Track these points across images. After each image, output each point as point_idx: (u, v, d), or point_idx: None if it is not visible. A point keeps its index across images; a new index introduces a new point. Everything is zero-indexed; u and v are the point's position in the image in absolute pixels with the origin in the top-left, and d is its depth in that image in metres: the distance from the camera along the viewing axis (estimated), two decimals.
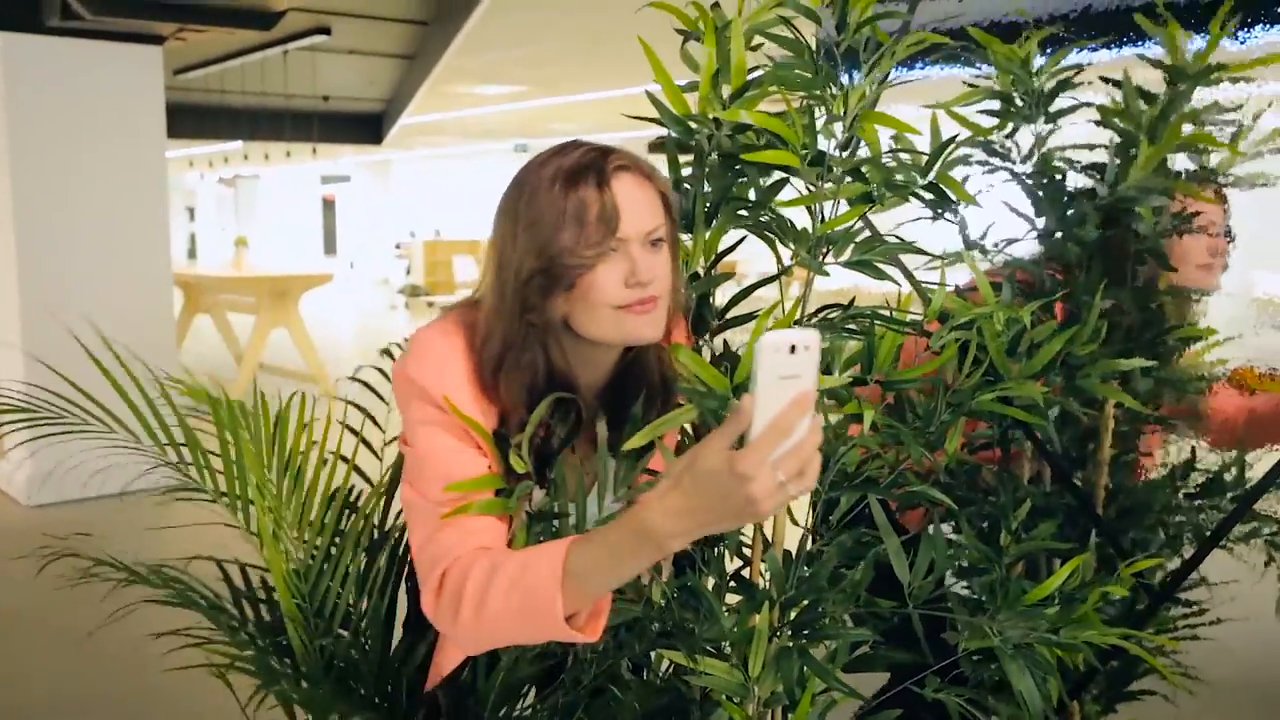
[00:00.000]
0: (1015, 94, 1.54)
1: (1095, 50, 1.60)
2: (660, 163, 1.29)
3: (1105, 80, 1.53)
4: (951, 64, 1.65)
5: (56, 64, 5.63)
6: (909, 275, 1.70)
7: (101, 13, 5.30)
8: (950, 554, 1.45)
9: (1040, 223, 1.61)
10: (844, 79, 1.21)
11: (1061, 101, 1.57)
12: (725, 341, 1.39)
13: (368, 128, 12.08)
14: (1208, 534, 1.60)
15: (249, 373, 8.43)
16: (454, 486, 1.18)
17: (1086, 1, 1.61)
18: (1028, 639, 1.22)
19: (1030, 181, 1.59)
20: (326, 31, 7.83)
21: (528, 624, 1.10)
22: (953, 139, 1.25)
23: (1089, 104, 1.55)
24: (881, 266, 1.26)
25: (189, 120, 11.09)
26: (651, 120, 1.28)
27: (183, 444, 1.51)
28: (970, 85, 1.58)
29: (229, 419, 1.37)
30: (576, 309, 1.22)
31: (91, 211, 5.75)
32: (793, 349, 0.92)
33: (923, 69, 1.72)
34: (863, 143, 1.22)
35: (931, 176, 1.22)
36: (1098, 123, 1.55)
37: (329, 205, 25.74)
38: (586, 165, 1.19)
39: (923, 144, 1.28)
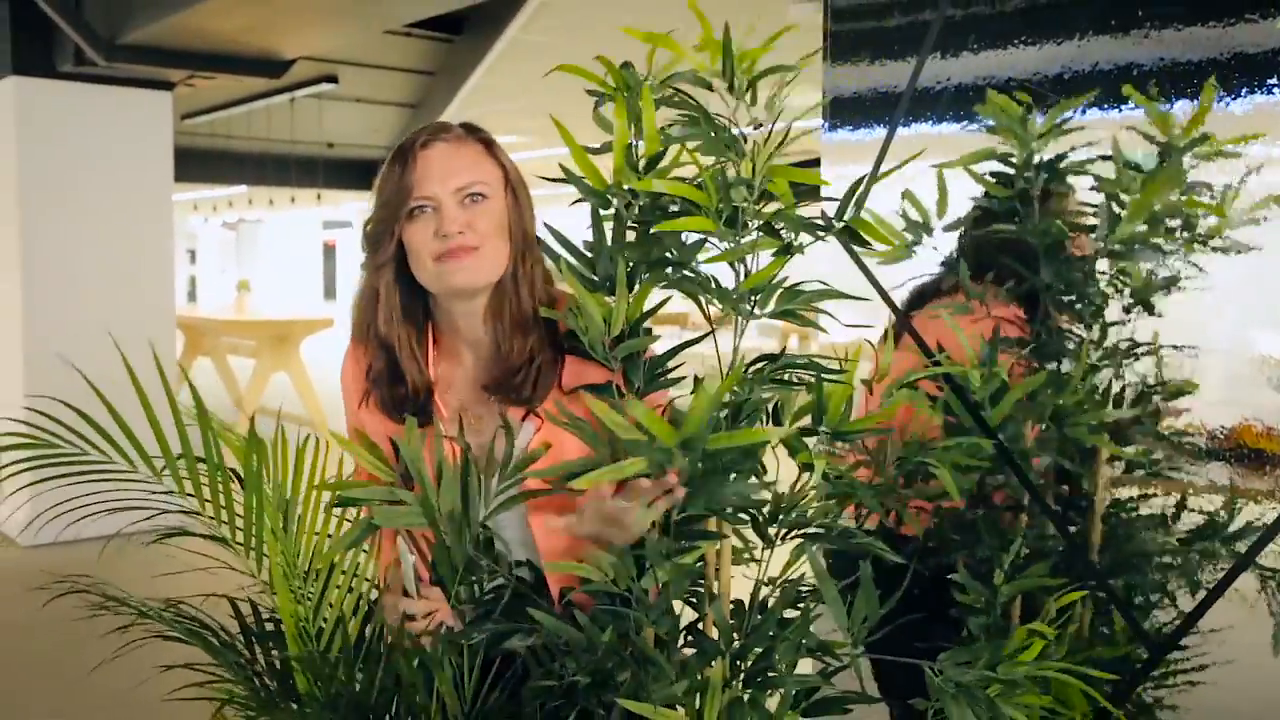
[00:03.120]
0: (1020, 158, 1.57)
1: (1086, 111, 1.64)
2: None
3: (1103, 159, 1.56)
4: (959, 121, 1.69)
5: (68, 108, 5.71)
6: (904, 316, 1.73)
7: (114, 59, 5.38)
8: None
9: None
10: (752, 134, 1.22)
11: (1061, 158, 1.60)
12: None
13: (371, 174, 12.16)
14: (1197, 578, 1.62)
15: (248, 416, 8.42)
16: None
17: (1086, 64, 1.65)
18: (964, 677, 1.22)
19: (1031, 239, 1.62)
20: (334, 80, 7.94)
21: None
22: (860, 180, 1.26)
23: (1087, 173, 1.58)
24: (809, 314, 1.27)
25: (195, 164, 11.20)
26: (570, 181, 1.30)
27: (207, 486, 1.51)
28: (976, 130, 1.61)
29: (259, 460, 1.39)
30: (412, 265, 1.43)
31: (98, 253, 5.79)
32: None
33: (933, 126, 1.76)
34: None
35: (847, 219, 1.24)
36: (1092, 188, 1.58)
37: (330, 251, 25.86)
38: (404, 144, 1.43)
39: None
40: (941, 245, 1.69)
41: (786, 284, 1.24)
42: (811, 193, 1.35)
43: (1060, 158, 1.55)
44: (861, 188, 1.24)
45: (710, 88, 1.24)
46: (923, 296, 1.94)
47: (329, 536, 1.46)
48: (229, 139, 10.92)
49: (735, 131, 1.22)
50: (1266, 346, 1.74)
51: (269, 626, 1.53)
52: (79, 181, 5.73)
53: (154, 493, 1.56)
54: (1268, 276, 1.58)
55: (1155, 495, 1.77)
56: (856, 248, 1.27)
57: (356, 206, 21.60)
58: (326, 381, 10.01)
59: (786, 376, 1.26)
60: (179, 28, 5.06)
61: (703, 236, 1.26)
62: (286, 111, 9.35)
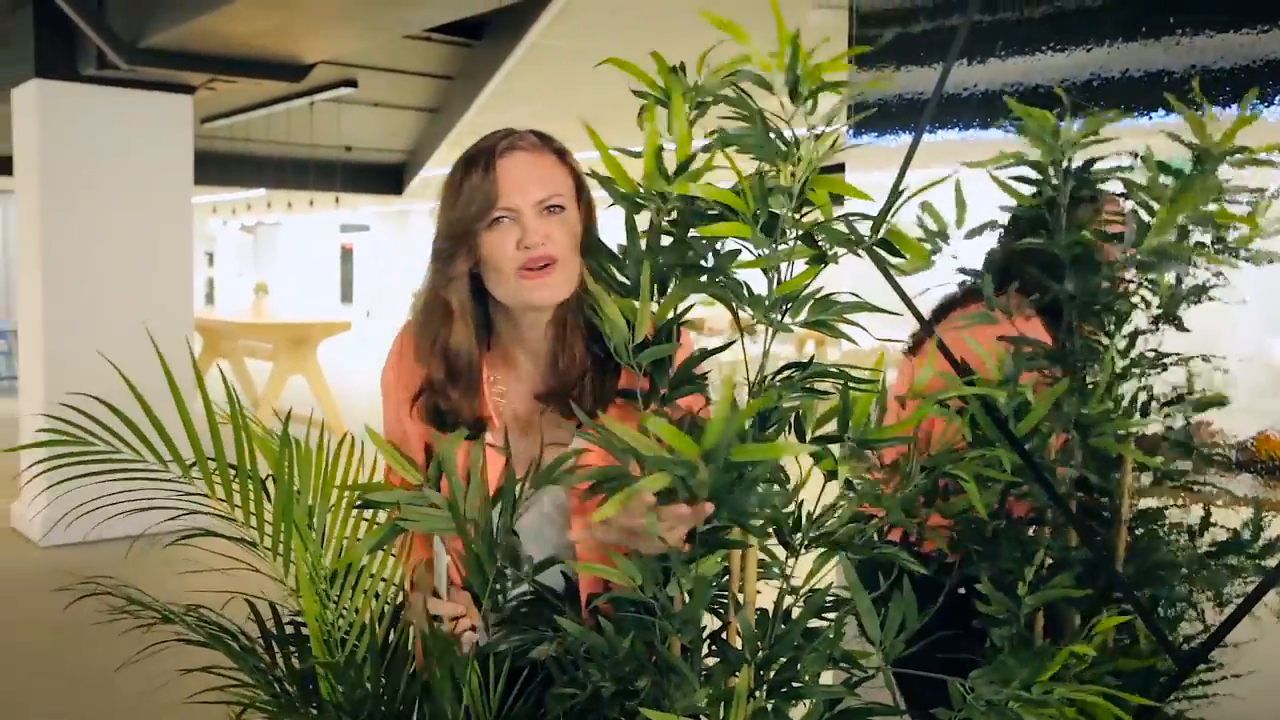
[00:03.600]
0: (1046, 164, 1.56)
1: (1122, 116, 1.62)
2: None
3: (1134, 155, 1.54)
4: (985, 127, 1.67)
5: (90, 110, 5.75)
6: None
7: (136, 62, 5.41)
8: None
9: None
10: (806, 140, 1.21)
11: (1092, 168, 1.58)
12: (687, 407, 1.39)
13: (389, 178, 12.23)
14: (1225, 591, 1.60)
15: (265, 419, 8.46)
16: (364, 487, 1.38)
17: (1115, 70, 1.64)
18: (997, 697, 1.21)
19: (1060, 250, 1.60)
20: (353, 84, 7.97)
21: None
22: (900, 193, 1.25)
23: (1118, 176, 1.56)
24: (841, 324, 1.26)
25: (215, 167, 11.25)
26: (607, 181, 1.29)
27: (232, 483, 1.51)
28: (1002, 148, 1.59)
29: (290, 463, 1.39)
30: (488, 276, 1.39)
31: (118, 255, 5.83)
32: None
33: (959, 132, 1.74)
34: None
35: (882, 233, 1.23)
36: (1122, 195, 1.56)
37: (347, 254, 25.96)
38: (479, 150, 1.39)
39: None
40: (963, 255, 1.68)
41: (819, 294, 1.24)
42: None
43: (1089, 164, 1.53)
44: (897, 203, 1.24)
45: (770, 89, 1.22)
46: (946, 308, 1.93)
47: (357, 540, 1.46)
48: (248, 142, 10.97)
49: (788, 134, 1.21)
50: None
51: (289, 630, 1.53)
52: (100, 184, 5.77)
53: (180, 494, 1.57)
54: None
55: (1178, 505, 1.75)
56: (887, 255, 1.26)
57: (374, 210, 21.70)
58: (343, 385, 9.98)
59: (816, 385, 1.25)
60: (200, 31, 5.09)
61: (739, 245, 1.26)
62: (306, 115, 9.39)
